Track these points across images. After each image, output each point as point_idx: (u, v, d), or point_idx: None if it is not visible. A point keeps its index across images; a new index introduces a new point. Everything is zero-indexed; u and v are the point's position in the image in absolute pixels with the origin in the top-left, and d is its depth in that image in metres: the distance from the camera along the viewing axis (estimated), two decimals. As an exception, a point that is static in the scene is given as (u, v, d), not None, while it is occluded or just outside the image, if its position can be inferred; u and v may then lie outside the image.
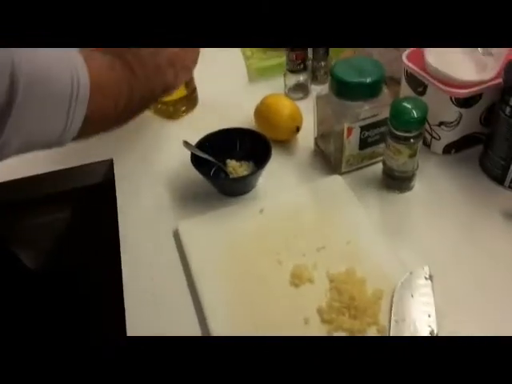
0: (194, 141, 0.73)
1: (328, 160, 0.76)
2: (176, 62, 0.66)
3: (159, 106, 0.87)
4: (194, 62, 0.72)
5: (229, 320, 0.56)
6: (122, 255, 0.65)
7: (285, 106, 0.78)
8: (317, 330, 0.55)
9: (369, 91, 0.68)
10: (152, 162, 0.79)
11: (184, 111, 0.89)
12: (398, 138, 0.66)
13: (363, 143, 0.71)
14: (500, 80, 0.67)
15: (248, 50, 1.01)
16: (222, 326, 0.55)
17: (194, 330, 0.57)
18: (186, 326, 0.57)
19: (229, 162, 0.74)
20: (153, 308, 0.60)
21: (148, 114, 0.87)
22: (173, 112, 0.87)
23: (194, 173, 0.70)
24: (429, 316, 0.55)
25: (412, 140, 0.65)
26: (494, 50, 0.65)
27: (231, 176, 0.73)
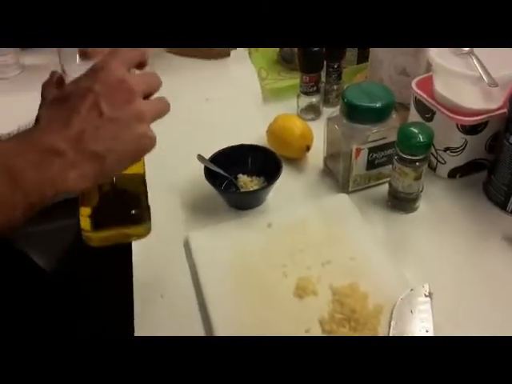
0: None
1: (336, 179, 0.78)
2: (90, 138, 0.45)
3: None
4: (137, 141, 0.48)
5: (233, 328, 0.58)
6: (133, 260, 0.68)
7: (296, 125, 0.81)
8: (318, 340, 0.57)
9: (378, 115, 0.71)
10: (165, 172, 0.82)
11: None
12: (404, 161, 0.68)
13: (370, 164, 0.74)
14: (505, 110, 0.70)
15: (264, 72, 1.04)
16: (226, 333, 0.57)
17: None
18: (191, 332, 0.60)
19: (240, 176, 0.77)
20: (161, 316, 0.62)
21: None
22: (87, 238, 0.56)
23: (206, 186, 0.73)
24: (426, 331, 0.57)
25: (417, 163, 0.68)
26: (500, 81, 0.67)
27: (242, 190, 0.76)
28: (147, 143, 0.48)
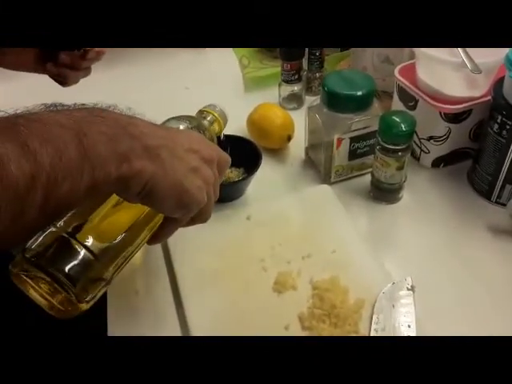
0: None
1: (318, 170, 0.76)
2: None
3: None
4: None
5: (210, 324, 0.57)
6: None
7: (277, 115, 0.79)
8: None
9: (359, 104, 0.69)
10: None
11: None
12: (386, 151, 0.66)
13: (352, 154, 0.72)
14: (489, 97, 0.68)
15: (245, 59, 1.02)
16: (203, 330, 0.56)
17: (175, 334, 0.57)
18: (167, 329, 0.58)
19: (219, 168, 0.75)
20: (136, 313, 0.60)
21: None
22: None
23: (184, 178, 0.71)
24: (409, 326, 0.55)
25: (400, 153, 0.66)
26: (484, 68, 0.65)
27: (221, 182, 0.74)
28: (197, 194, 0.46)
